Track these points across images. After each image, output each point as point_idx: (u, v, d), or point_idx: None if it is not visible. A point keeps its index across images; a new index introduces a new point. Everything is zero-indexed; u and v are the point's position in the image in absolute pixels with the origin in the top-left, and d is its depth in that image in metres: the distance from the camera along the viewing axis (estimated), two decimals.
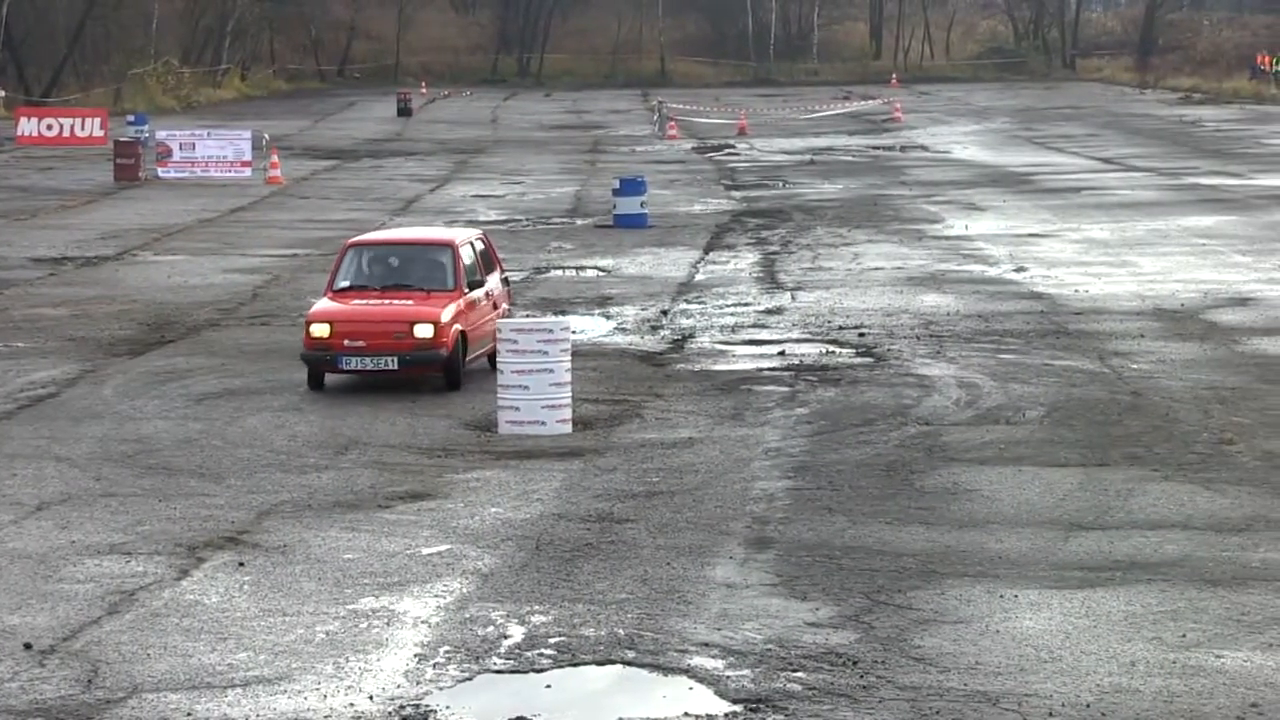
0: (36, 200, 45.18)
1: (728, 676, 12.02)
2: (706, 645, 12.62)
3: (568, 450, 18.69)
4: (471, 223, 37.11)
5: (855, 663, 12.23)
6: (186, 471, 17.82)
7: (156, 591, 13.97)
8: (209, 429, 19.70)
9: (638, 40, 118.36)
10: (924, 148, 62.05)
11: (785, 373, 22.70)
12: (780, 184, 49.90)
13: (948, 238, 36.85)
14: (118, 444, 18.99)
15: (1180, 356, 23.36)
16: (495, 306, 23.21)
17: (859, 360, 23.38)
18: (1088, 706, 11.43)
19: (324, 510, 16.36)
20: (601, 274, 32.22)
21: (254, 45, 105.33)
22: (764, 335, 25.58)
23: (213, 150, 51.67)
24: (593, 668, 12.32)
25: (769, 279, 31.30)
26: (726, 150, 62.46)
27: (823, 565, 14.49)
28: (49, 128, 64.24)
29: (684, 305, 28.43)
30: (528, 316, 24.66)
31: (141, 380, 22.39)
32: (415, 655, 12.48)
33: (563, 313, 26.54)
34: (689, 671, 12.15)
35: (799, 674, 12.04)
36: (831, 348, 24.31)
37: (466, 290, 22.20)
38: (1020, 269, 31.87)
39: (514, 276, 25.50)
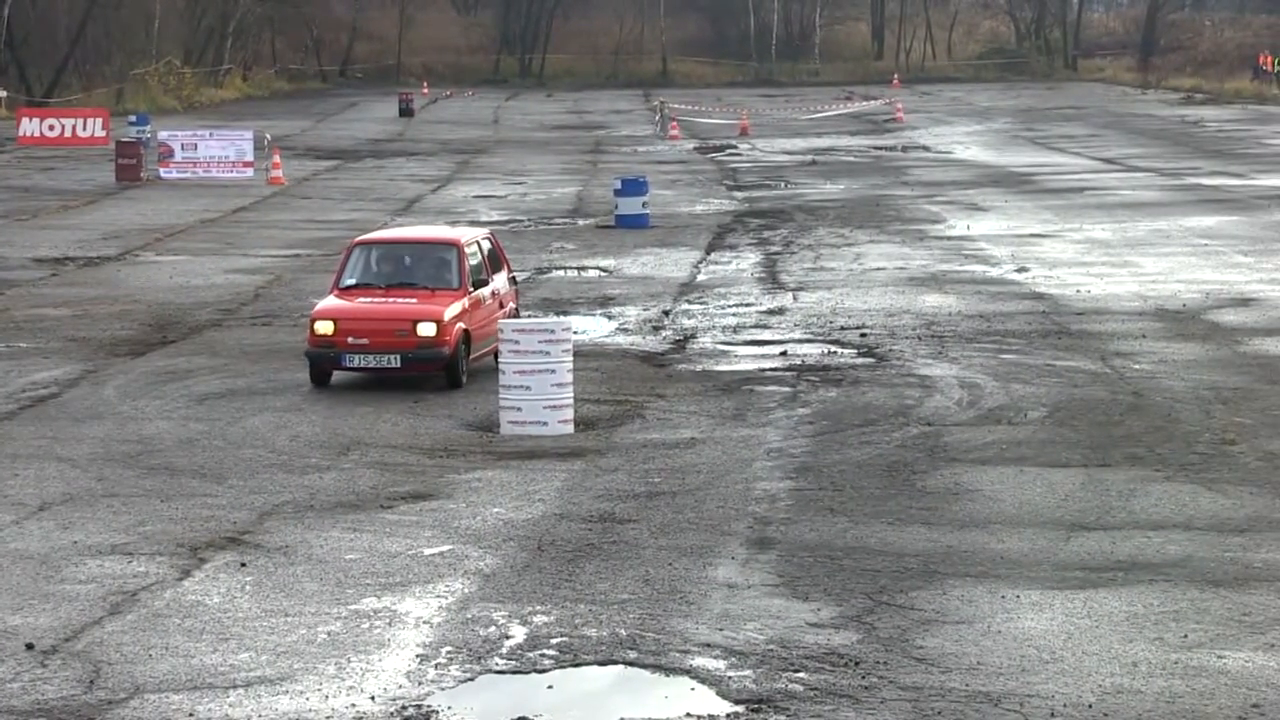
0: (38, 200, 45.20)
1: (729, 677, 12.02)
2: (708, 646, 12.62)
3: (569, 451, 18.69)
4: (474, 223, 37.11)
5: (857, 663, 12.23)
6: (188, 472, 17.82)
7: (158, 592, 13.97)
8: (211, 429, 19.71)
9: (639, 40, 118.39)
10: (926, 148, 62.06)
11: (787, 373, 22.70)
12: (782, 184, 49.90)
13: (949, 238, 36.85)
14: (119, 444, 18.99)
15: (1182, 357, 23.36)
16: (501, 306, 23.29)
17: (861, 360, 23.38)
18: (1090, 707, 11.43)
19: (326, 511, 16.36)
20: (603, 274, 32.22)
21: (255, 45, 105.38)
22: (766, 336, 25.58)
23: (214, 150, 51.68)
24: (594, 668, 12.32)
25: (771, 279, 31.30)
26: (728, 150, 62.47)
27: (824, 566, 14.49)
28: (51, 128, 64.28)
29: (686, 305, 28.42)
30: (529, 316, 24.69)
31: (143, 380, 22.39)
32: (417, 656, 12.49)
33: (564, 313, 26.54)
34: (691, 672, 12.16)
35: (801, 674, 12.04)
36: (833, 348, 24.31)
37: (471, 289, 22.28)
38: (1022, 269, 31.86)
39: (516, 277, 25.52)
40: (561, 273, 32.47)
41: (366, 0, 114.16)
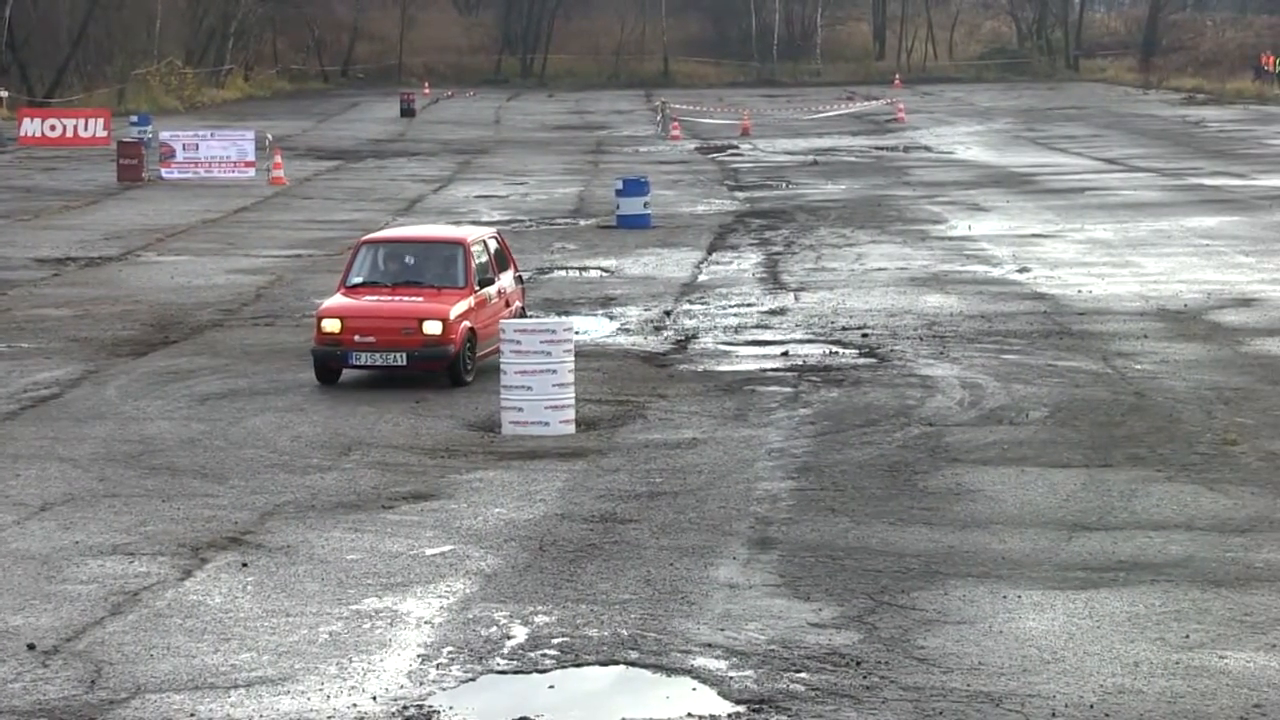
0: (40, 201, 45.21)
1: (731, 677, 12.02)
2: (710, 646, 12.62)
3: (571, 451, 18.69)
4: (476, 223, 37.10)
5: (858, 663, 12.23)
6: (190, 472, 17.83)
7: (160, 592, 13.97)
8: (212, 429, 19.71)
9: (641, 41, 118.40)
10: (927, 148, 62.05)
11: (788, 373, 22.70)
12: (783, 184, 49.89)
13: (951, 238, 36.85)
14: (121, 444, 18.99)
15: (1183, 357, 23.36)
16: (508, 304, 23.47)
17: (862, 361, 23.38)
18: (1091, 707, 11.43)
19: (327, 511, 16.37)
20: (605, 274, 32.22)
21: (257, 45, 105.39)
22: (767, 336, 25.57)
23: (216, 151, 51.70)
24: (596, 668, 12.32)
25: (772, 279, 31.29)
26: (729, 151, 62.47)
27: (826, 566, 14.49)
28: (52, 128, 64.31)
29: (687, 306, 28.42)
30: (534, 316, 24.72)
31: (145, 381, 22.40)
32: (418, 656, 12.49)
33: (566, 313, 26.54)
34: (692, 672, 12.16)
35: (802, 674, 12.04)
36: (835, 348, 24.31)
37: (477, 288, 22.42)
38: (1023, 269, 31.86)
39: (523, 276, 25.66)
40: (563, 273, 32.47)
41: (368, 0, 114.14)
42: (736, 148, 63.57)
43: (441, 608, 13.53)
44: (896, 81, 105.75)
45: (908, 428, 19.49)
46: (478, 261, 22.74)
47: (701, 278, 31.71)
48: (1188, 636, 12.76)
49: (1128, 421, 19.68)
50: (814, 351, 24.12)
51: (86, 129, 63.96)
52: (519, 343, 19.61)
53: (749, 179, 51.68)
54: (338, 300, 22.26)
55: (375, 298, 22.25)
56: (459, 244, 22.92)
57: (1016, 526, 15.63)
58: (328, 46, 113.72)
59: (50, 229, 39.17)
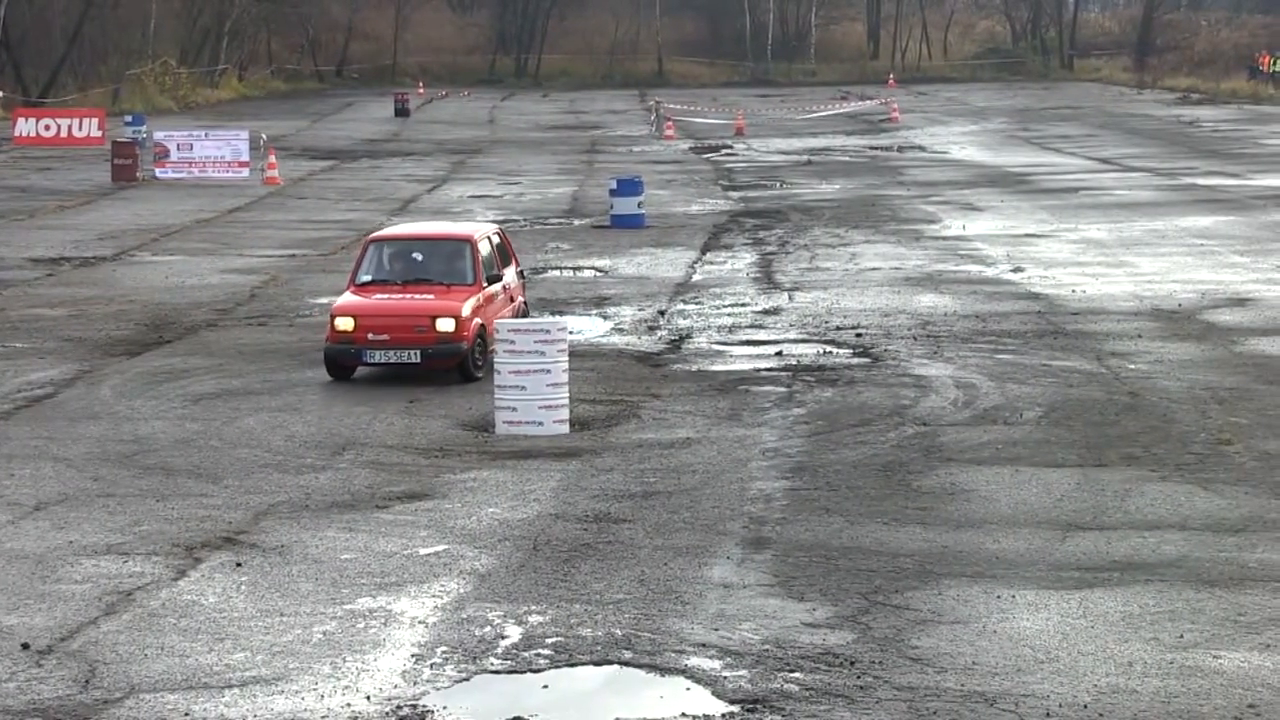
0: (34, 200, 45.18)
1: (725, 677, 12.02)
2: (704, 646, 12.62)
3: (565, 451, 18.69)
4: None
5: (852, 663, 12.23)
6: (184, 472, 17.82)
7: (154, 592, 13.96)
8: (206, 429, 19.70)
9: (635, 40, 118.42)
10: (921, 148, 62.07)
11: (782, 373, 22.70)
12: (777, 184, 49.90)
13: (945, 238, 36.86)
14: (115, 444, 18.98)
15: (1178, 357, 23.37)
16: (511, 300, 23.80)
17: (856, 360, 23.38)
18: (1085, 707, 11.43)
19: (321, 510, 16.36)
20: (599, 274, 32.22)
21: (251, 45, 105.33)
22: (761, 335, 25.57)
23: (210, 151, 51.68)
24: (590, 668, 12.32)
25: (766, 279, 31.30)
26: (724, 150, 62.49)
27: (820, 566, 14.50)
28: (47, 128, 64.29)
29: (681, 306, 28.42)
30: (531, 313, 24.83)
31: (139, 381, 22.39)
32: (412, 655, 12.48)
33: (560, 313, 26.54)
34: (686, 672, 12.16)
35: (796, 674, 12.04)
36: (829, 348, 24.31)
37: (485, 284, 22.69)
38: (1017, 269, 31.87)
39: (524, 271, 25.84)
40: (557, 273, 32.47)
41: (362, 0, 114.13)
42: (731, 148, 63.57)
43: (435, 607, 13.52)
44: (891, 81, 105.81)
45: (902, 427, 19.49)
46: (484, 257, 22.99)
47: (695, 277, 31.71)
48: (1182, 636, 12.77)
49: (1122, 421, 19.69)
50: (808, 351, 24.12)
51: (81, 129, 63.94)
52: (513, 342, 19.62)
53: (743, 179, 51.68)
54: (349, 299, 22.41)
55: (386, 296, 22.42)
56: (467, 241, 23.15)
57: (1010, 526, 15.64)
58: (322, 46, 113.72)
59: (45, 229, 39.15)
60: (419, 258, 23.19)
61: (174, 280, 31.35)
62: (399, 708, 11.52)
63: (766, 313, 27.57)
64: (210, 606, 13.60)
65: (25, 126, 64.21)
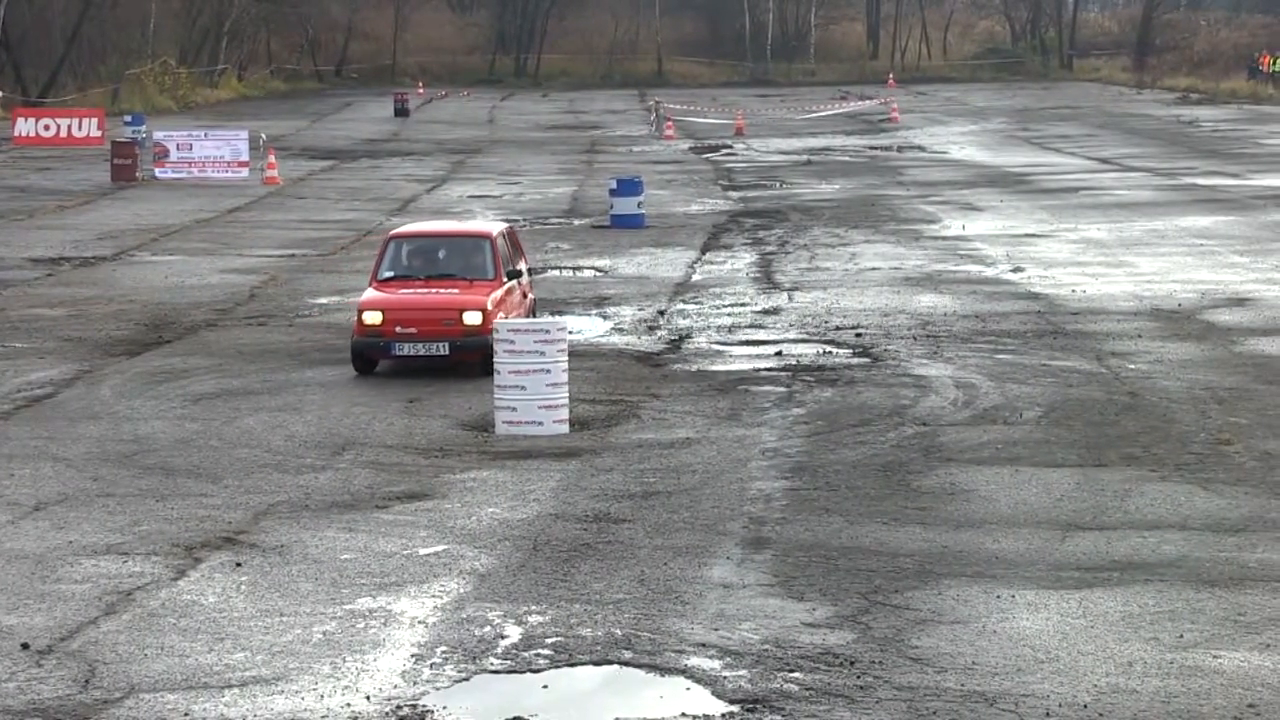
0: (34, 200, 45.18)
1: (725, 677, 12.02)
2: (703, 645, 12.61)
3: (565, 450, 18.68)
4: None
5: (852, 663, 12.23)
6: (184, 472, 17.82)
7: (153, 592, 13.96)
8: (206, 429, 19.70)
9: (635, 40, 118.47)
10: (921, 148, 62.07)
11: (782, 373, 22.69)
12: (777, 184, 49.91)
13: (945, 238, 36.86)
14: (115, 444, 18.98)
15: (1177, 357, 23.37)
16: (525, 296, 24.42)
17: (856, 360, 23.38)
18: (1085, 707, 11.43)
19: (321, 510, 16.36)
20: (598, 274, 32.22)
21: (251, 45, 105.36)
22: (761, 335, 25.57)
23: (210, 150, 51.69)
24: (589, 668, 12.31)
25: (766, 279, 31.30)
26: (723, 150, 62.49)
27: (820, 565, 14.49)
28: (46, 128, 64.29)
29: (681, 305, 28.42)
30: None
31: (139, 380, 22.38)
32: (412, 655, 12.48)
33: (560, 313, 26.54)
34: (686, 672, 12.15)
35: (796, 674, 12.04)
36: (828, 348, 24.30)
37: (505, 279, 23.25)
38: (1017, 269, 31.87)
39: (532, 268, 25.98)
40: (557, 272, 32.47)
41: (362, 0, 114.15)
42: (730, 147, 63.58)
43: (435, 607, 13.52)
44: (890, 81, 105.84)
45: (901, 427, 19.49)
46: (502, 253, 23.54)
47: (695, 277, 31.71)
48: (1182, 636, 12.76)
49: (1122, 421, 19.68)
50: (808, 351, 24.12)
51: (80, 129, 63.95)
52: (513, 342, 19.62)
53: (743, 179, 51.68)
54: (374, 294, 22.82)
55: (411, 291, 22.90)
56: (486, 237, 23.74)
57: (1010, 526, 15.64)
58: (322, 46, 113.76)
59: (44, 229, 39.15)
60: (441, 254, 23.69)
61: (174, 280, 31.35)
62: (399, 708, 11.52)
63: (766, 313, 27.57)
64: (210, 606, 13.59)
65: (25, 126, 64.21)
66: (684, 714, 11.46)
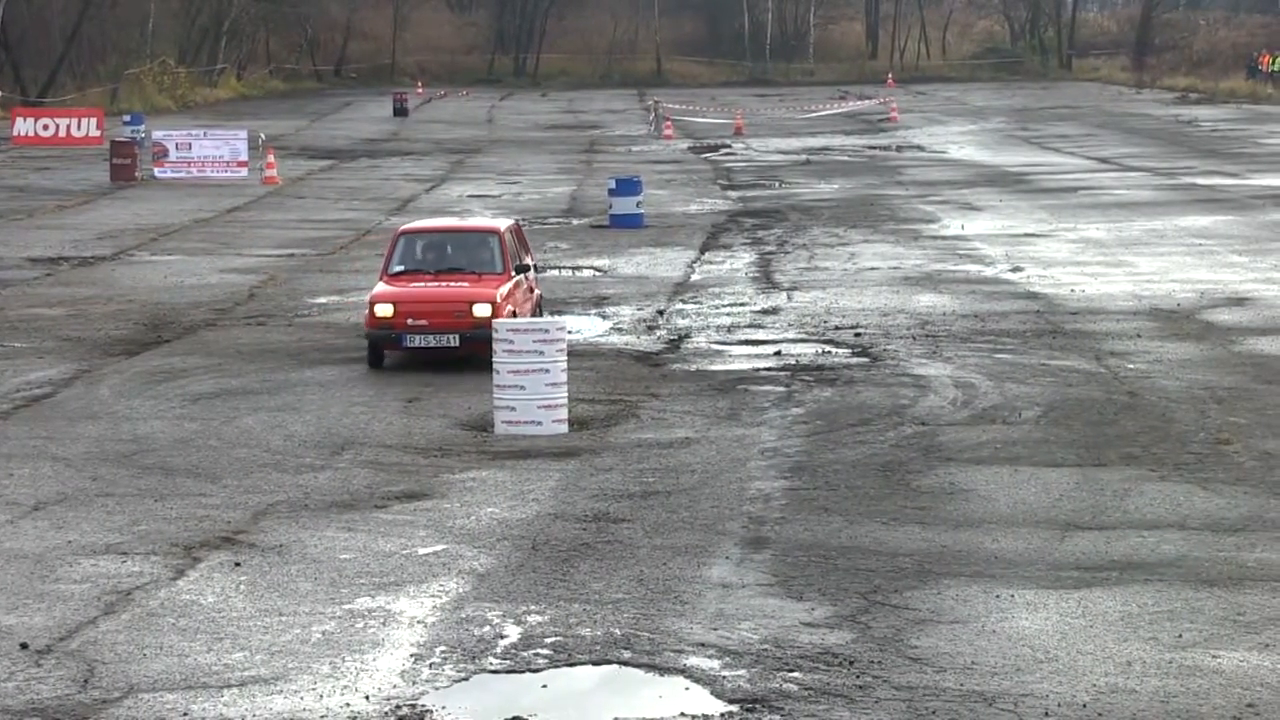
0: (33, 200, 45.18)
1: (724, 676, 12.02)
2: (703, 645, 12.61)
3: (564, 450, 18.68)
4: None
5: (851, 663, 12.23)
6: (183, 471, 17.81)
7: (152, 591, 13.96)
8: (205, 429, 19.70)
9: (634, 40, 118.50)
10: (920, 148, 62.07)
11: (781, 373, 22.69)
12: (776, 184, 49.90)
13: (944, 237, 36.86)
14: (114, 444, 18.98)
15: (1177, 356, 23.37)
16: (531, 291, 24.80)
17: (855, 360, 23.38)
18: (1084, 707, 11.43)
19: (320, 510, 16.36)
20: (597, 274, 32.22)
21: (250, 45, 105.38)
22: (760, 335, 25.57)
23: (209, 150, 51.68)
24: (589, 668, 12.31)
25: (765, 279, 31.30)
26: (723, 150, 62.49)
27: (819, 565, 14.49)
28: (45, 128, 64.27)
29: (680, 305, 28.42)
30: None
31: (138, 380, 22.38)
32: (411, 655, 12.48)
33: (559, 313, 26.54)
34: (685, 671, 12.15)
35: (795, 674, 12.04)
36: (827, 348, 24.30)
37: (513, 273, 23.60)
38: (1016, 269, 31.87)
39: (537, 264, 26.02)
40: (556, 272, 32.46)
41: (361, 0, 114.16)
42: (729, 147, 63.58)
43: (434, 607, 13.52)
44: (889, 81, 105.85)
45: (901, 427, 19.49)
46: (510, 248, 23.87)
47: (694, 277, 31.71)
48: (1181, 636, 12.76)
49: (1121, 421, 19.69)
50: (807, 351, 24.12)
51: (80, 128, 63.93)
52: (512, 342, 19.61)
53: (742, 178, 51.68)
54: (385, 287, 23.14)
55: (422, 284, 23.29)
56: (495, 232, 24.11)
57: (1009, 526, 15.64)
58: (321, 46, 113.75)
59: (43, 228, 39.14)
60: (449, 249, 24.09)
61: (173, 280, 31.34)
62: (398, 707, 11.52)
63: (765, 312, 27.57)
64: (209, 606, 13.59)
65: (24, 126, 64.19)
66: (683, 714, 11.46)
